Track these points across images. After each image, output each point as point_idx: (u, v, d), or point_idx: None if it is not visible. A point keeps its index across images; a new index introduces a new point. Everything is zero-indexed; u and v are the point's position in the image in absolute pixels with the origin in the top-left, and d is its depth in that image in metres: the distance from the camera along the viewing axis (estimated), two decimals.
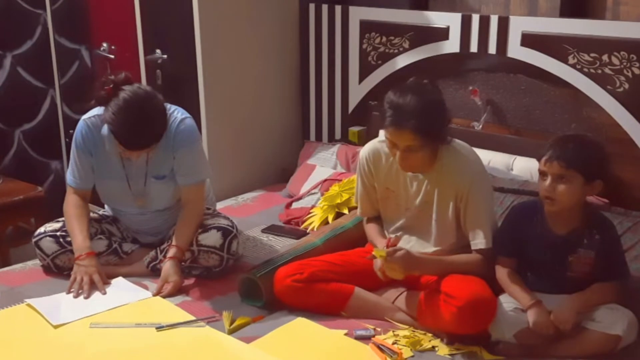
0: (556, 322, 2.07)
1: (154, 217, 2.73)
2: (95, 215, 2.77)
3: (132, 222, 2.77)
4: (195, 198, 2.66)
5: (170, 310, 2.39)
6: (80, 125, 2.62)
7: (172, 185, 2.66)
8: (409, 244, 2.44)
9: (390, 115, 2.21)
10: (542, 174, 2.16)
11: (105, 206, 2.85)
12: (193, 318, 2.33)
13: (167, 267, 2.52)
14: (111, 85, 2.43)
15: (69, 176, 2.67)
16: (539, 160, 2.17)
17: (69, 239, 2.60)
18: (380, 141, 2.47)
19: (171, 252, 2.55)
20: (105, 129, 2.49)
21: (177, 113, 2.60)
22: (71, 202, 2.63)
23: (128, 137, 2.42)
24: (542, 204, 2.21)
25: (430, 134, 2.22)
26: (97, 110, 2.57)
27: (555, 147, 2.14)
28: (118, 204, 2.75)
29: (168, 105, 2.57)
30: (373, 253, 2.28)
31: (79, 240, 2.54)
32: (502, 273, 2.25)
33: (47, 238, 2.63)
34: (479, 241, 2.31)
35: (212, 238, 2.60)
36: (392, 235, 2.40)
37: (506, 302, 2.17)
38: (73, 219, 2.60)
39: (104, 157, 2.61)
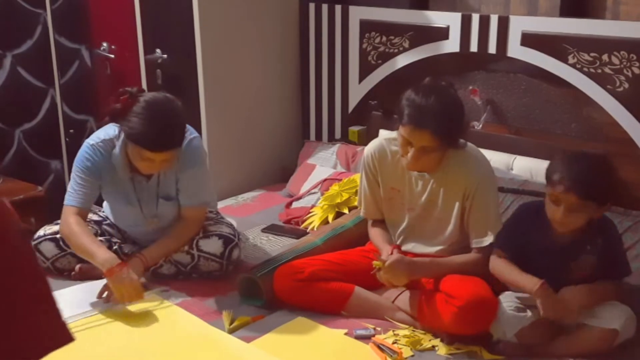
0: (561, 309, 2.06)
1: (160, 230, 2.67)
2: (95, 216, 2.75)
3: (137, 234, 2.73)
4: (192, 217, 2.62)
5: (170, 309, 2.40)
6: (86, 148, 2.52)
7: (179, 204, 2.64)
8: (411, 244, 2.44)
9: (409, 113, 2.19)
10: (555, 200, 2.07)
11: (104, 206, 2.83)
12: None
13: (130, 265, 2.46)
14: (127, 96, 2.40)
15: (70, 198, 2.53)
16: (548, 179, 2.09)
17: None
18: (386, 139, 2.46)
19: (139, 256, 2.52)
20: (116, 154, 2.47)
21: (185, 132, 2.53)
22: (74, 222, 2.47)
23: (152, 136, 2.34)
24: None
25: (448, 137, 2.22)
26: (103, 135, 2.53)
27: (570, 174, 2.03)
28: (130, 227, 2.71)
29: None
30: (373, 265, 2.28)
31: (102, 253, 2.40)
32: (498, 262, 2.21)
33: (47, 242, 2.60)
34: (486, 239, 2.30)
35: (213, 245, 2.59)
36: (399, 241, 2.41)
37: (506, 301, 2.16)
38: (83, 235, 2.45)
39: (114, 183, 2.56)
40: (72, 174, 2.57)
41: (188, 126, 2.55)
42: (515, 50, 2.95)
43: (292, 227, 3.13)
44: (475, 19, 3.04)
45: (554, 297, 2.08)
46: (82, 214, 2.54)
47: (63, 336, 0.86)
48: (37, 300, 0.84)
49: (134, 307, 2.40)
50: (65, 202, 2.53)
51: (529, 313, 2.13)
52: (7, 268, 0.80)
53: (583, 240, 2.15)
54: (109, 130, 2.53)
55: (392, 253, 2.29)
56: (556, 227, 2.12)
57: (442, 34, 3.16)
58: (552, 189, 2.07)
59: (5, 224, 0.81)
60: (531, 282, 2.10)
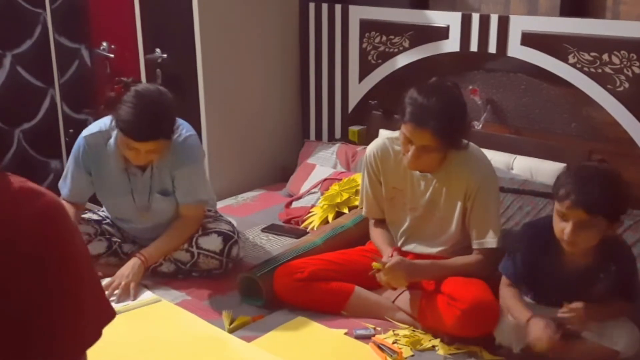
0: (569, 317, 2.00)
1: (157, 228, 2.68)
2: (95, 216, 2.76)
3: (135, 232, 2.75)
4: (190, 215, 2.64)
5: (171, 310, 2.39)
6: (80, 142, 2.58)
7: (175, 201, 2.64)
8: (413, 245, 2.44)
9: (412, 111, 2.19)
10: (562, 216, 1.96)
11: (104, 207, 2.83)
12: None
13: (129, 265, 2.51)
14: (121, 84, 2.42)
15: (62, 187, 2.61)
16: (555, 195, 1.98)
17: None
18: (388, 138, 2.45)
19: (139, 256, 2.54)
20: (111, 144, 2.48)
21: (181, 129, 2.55)
22: None
23: (138, 125, 2.35)
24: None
25: (449, 138, 2.21)
26: (99, 126, 2.55)
27: (578, 189, 1.92)
28: (124, 219, 2.72)
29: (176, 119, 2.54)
30: (372, 267, 2.28)
31: None
32: (504, 290, 2.15)
33: None
34: (487, 240, 2.29)
35: (212, 242, 2.60)
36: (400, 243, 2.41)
37: None
38: None
39: (109, 174, 2.58)
40: (69, 162, 2.63)
41: (185, 124, 2.57)
42: (515, 49, 2.95)
43: (292, 226, 3.12)
44: (475, 18, 3.04)
45: (543, 330, 1.98)
46: (74, 204, 2.60)
47: (110, 312, 0.91)
48: (94, 282, 0.89)
49: (134, 307, 2.40)
50: (60, 190, 2.61)
51: None
52: (78, 256, 0.85)
53: (595, 269, 2.05)
54: (107, 121, 2.55)
55: (392, 255, 2.29)
56: (565, 246, 2.01)
57: (442, 33, 3.16)
58: (559, 205, 1.96)
59: (70, 219, 0.86)
60: (522, 315, 2.05)
